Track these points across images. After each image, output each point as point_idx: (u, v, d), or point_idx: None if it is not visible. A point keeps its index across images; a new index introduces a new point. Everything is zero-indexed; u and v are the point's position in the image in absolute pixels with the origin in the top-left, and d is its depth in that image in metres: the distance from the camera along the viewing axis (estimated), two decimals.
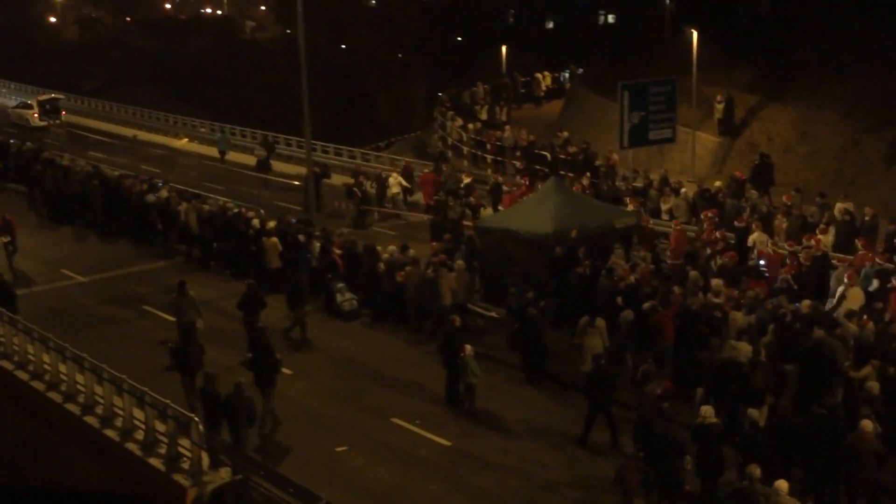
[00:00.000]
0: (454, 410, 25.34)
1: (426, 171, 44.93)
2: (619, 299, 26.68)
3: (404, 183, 43.64)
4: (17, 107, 71.41)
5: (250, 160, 53.06)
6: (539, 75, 67.82)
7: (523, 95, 65.10)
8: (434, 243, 33.31)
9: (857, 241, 30.65)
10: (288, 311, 30.21)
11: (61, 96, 73.65)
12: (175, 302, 28.78)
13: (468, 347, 25.02)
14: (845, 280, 26.84)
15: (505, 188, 39.78)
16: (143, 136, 64.14)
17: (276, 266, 33.59)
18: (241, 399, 22.72)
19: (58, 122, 68.61)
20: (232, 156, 53.67)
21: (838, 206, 32.90)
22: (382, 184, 43.61)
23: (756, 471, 18.36)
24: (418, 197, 43.73)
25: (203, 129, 60.89)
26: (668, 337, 25.06)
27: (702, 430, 20.31)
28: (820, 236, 30.40)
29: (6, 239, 36.64)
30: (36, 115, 68.38)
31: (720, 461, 20.34)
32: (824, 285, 28.11)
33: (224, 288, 34.23)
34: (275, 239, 33.75)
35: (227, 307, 31.75)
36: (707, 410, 20.48)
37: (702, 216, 33.24)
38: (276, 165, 52.04)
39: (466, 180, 41.71)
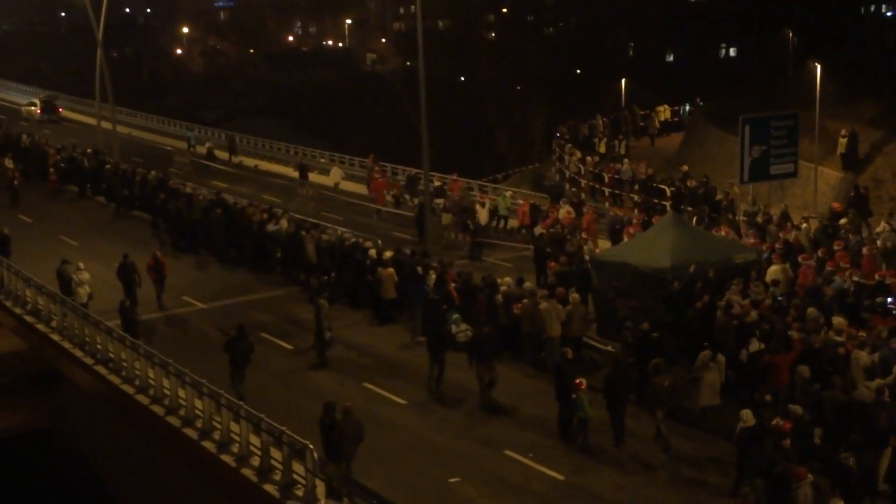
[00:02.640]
0: (567, 444, 25.15)
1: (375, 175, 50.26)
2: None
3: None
4: (26, 105, 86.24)
5: (364, 190, 53.59)
6: (658, 108, 67.38)
7: (642, 129, 64.71)
8: (552, 264, 33.78)
9: None
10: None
11: (58, 95, 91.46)
12: None
13: (582, 382, 24.84)
14: None
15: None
16: (265, 165, 65.07)
17: (391, 297, 33.77)
18: (350, 423, 22.91)
19: (54, 117, 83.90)
20: (346, 185, 54.37)
21: None
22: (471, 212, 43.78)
23: None
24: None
25: (323, 160, 61.59)
26: (783, 379, 24.58)
27: (743, 433, 21.71)
28: None
29: (154, 276, 37.14)
30: (38, 111, 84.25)
31: (761, 461, 21.20)
32: None
33: (342, 317, 34.54)
34: (391, 269, 33.93)
35: (344, 335, 32.11)
36: (746, 414, 21.79)
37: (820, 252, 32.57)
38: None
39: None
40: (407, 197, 50.89)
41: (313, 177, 56.74)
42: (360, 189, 54.41)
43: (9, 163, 58.40)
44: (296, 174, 56.51)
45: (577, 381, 24.76)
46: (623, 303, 29.16)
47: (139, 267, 36.02)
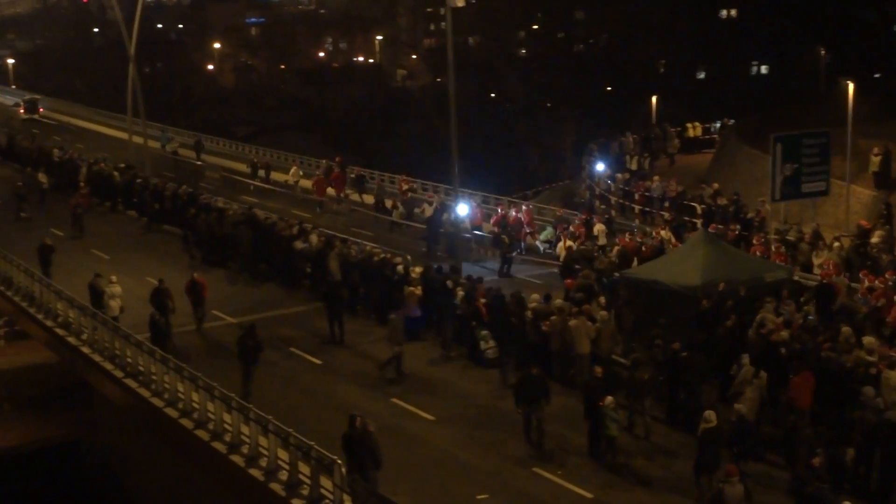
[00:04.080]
0: (596, 462, 25.04)
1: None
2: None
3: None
4: (12, 105, 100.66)
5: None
6: (689, 125, 67.22)
7: (664, 147, 64.43)
8: (568, 281, 34.08)
9: None
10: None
11: (38, 97, 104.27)
12: None
13: (608, 399, 24.73)
14: None
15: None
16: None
17: (415, 315, 33.70)
18: (366, 441, 22.82)
19: (36, 116, 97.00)
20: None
21: None
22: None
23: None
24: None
25: (352, 176, 61.76)
26: (803, 402, 24.47)
27: (706, 433, 22.49)
28: None
29: (192, 298, 36.87)
30: (22, 110, 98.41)
31: (717, 460, 22.20)
32: None
33: (370, 332, 34.59)
34: (412, 287, 33.85)
35: (372, 351, 32.12)
36: (710, 415, 22.57)
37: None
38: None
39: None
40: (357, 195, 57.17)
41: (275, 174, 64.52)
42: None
43: (42, 177, 58.85)
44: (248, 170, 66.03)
45: (605, 399, 24.68)
46: (653, 320, 29.01)
47: (174, 292, 35.72)
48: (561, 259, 40.03)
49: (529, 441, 25.96)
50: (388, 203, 53.15)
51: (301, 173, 61.30)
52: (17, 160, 68.60)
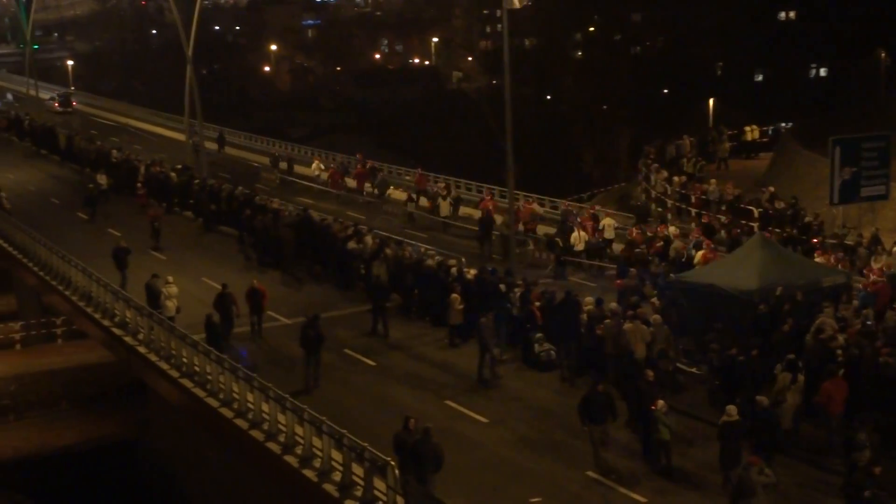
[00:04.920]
0: (650, 466, 24.89)
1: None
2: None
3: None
4: (49, 100, 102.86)
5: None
6: (746, 128, 66.62)
7: (729, 149, 63.88)
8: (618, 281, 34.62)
9: None
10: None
11: (72, 91, 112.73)
12: None
13: (660, 403, 24.55)
14: None
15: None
16: (349, 182, 65.61)
17: (456, 322, 33.64)
18: (428, 444, 22.89)
19: (70, 109, 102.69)
20: (423, 202, 55.11)
21: None
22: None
23: None
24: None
25: (408, 178, 61.84)
26: (834, 408, 24.32)
27: (725, 426, 23.00)
28: None
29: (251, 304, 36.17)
30: (57, 105, 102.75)
31: (738, 454, 22.57)
32: None
33: (424, 334, 34.64)
34: (456, 296, 33.74)
35: (426, 353, 32.15)
36: (731, 409, 23.12)
37: None
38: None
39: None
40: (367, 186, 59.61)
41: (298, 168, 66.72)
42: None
43: (102, 178, 59.28)
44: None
45: (656, 402, 24.51)
46: (709, 325, 28.80)
47: (237, 297, 35.75)
48: (576, 249, 42.10)
49: (600, 463, 25.11)
50: (402, 195, 55.89)
51: (322, 167, 63.61)
52: (77, 161, 69.26)
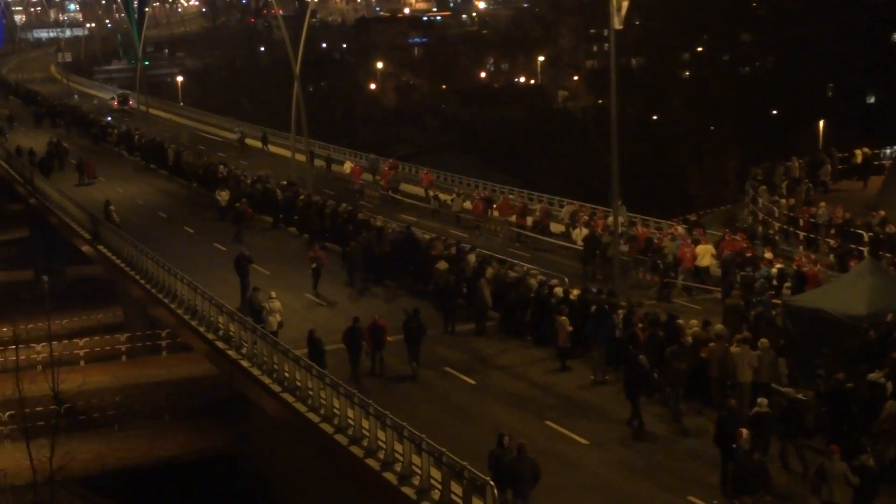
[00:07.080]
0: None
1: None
2: None
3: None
4: (109, 99, 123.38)
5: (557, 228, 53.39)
6: (857, 151, 65.36)
7: (840, 172, 62.69)
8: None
9: None
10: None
11: (129, 92, 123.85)
12: None
13: (744, 432, 23.80)
14: None
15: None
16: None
17: (565, 345, 33.37)
18: (524, 460, 22.88)
19: (127, 107, 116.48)
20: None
21: None
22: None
23: None
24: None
25: (512, 197, 61.68)
26: None
27: (756, 417, 24.41)
28: None
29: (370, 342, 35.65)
30: (115, 102, 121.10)
31: (766, 443, 24.27)
32: None
33: (526, 354, 34.43)
34: (564, 318, 33.45)
35: (529, 373, 31.96)
36: (762, 402, 24.65)
37: None
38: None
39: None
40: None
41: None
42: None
43: (220, 195, 58.78)
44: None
45: (740, 430, 23.85)
46: (816, 350, 28.19)
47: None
48: (578, 243, 45.54)
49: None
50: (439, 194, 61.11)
51: (352, 165, 72.43)
52: (184, 176, 70.27)
